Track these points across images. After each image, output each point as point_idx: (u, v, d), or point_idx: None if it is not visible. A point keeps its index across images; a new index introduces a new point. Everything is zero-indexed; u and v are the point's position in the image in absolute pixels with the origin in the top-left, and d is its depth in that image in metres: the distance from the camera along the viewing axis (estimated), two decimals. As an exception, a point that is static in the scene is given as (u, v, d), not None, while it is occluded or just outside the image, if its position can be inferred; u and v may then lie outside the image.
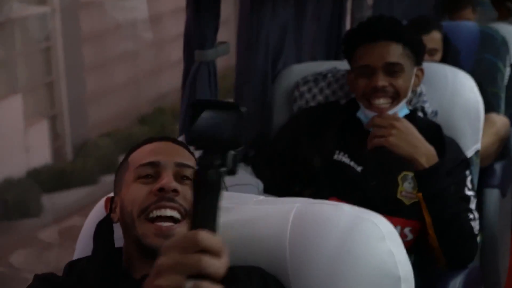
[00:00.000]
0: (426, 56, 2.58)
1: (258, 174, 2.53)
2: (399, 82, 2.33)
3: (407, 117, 2.38)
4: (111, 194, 1.69)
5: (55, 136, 12.41)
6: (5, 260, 8.35)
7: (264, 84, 2.88)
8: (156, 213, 1.53)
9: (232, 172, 1.10)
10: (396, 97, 2.34)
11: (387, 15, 2.50)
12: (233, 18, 2.84)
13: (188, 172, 1.59)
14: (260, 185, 2.37)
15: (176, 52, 3.12)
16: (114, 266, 1.59)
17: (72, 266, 1.62)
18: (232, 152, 1.11)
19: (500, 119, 3.39)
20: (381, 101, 2.33)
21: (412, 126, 2.22)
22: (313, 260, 1.57)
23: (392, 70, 2.33)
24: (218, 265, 1.01)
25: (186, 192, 1.56)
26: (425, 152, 2.19)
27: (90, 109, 12.92)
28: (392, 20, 2.44)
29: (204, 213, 1.06)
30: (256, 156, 2.69)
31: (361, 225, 1.58)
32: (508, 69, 3.74)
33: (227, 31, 2.91)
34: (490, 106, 3.24)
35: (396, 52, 2.35)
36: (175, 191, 1.54)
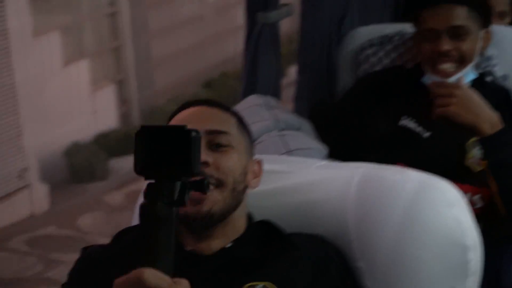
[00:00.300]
0: (495, 19, 2.52)
1: (322, 138, 2.50)
2: (464, 46, 2.28)
3: (474, 81, 2.33)
4: None
5: (122, 101, 12.52)
6: (73, 223, 8.48)
7: (329, 47, 2.84)
8: None
9: (180, 203, 1.05)
10: (461, 61, 2.29)
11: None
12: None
13: (222, 139, 1.51)
14: (324, 150, 2.34)
15: (241, 15, 3.10)
16: None
17: (123, 233, 1.60)
18: (180, 182, 1.05)
19: None
20: (447, 66, 2.28)
21: (474, 92, 2.16)
22: (379, 226, 1.55)
23: (457, 33, 2.28)
24: None
25: (219, 161, 1.49)
26: (488, 119, 2.12)
27: (156, 74, 13.00)
28: (457, -18, 2.37)
29: (152, 249, 1.01)
30: (320, 121, 2.66)
31: (427, 192, 1.55)
32: None
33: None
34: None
35: (460, 15, 2.29)
36: (205, 163, 1.46)
